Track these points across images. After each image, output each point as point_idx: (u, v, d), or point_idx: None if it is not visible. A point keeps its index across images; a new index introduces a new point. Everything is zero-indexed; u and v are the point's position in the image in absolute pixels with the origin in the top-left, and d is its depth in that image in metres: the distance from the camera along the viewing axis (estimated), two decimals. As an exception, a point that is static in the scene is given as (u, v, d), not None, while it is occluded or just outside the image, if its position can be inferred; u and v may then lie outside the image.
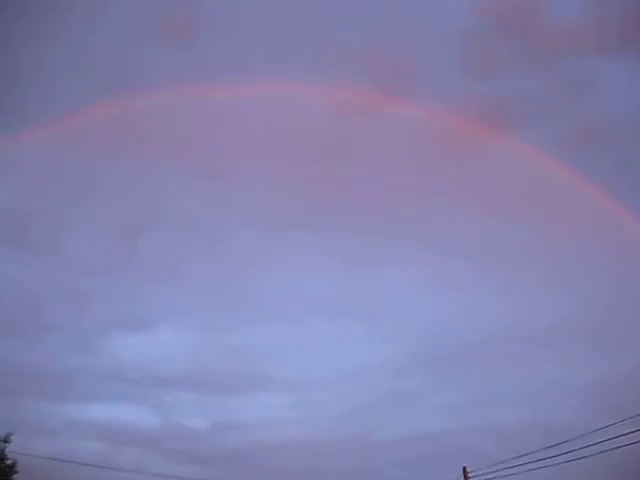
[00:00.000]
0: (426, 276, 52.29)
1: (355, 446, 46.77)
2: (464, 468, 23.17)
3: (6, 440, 22.18)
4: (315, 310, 63.26)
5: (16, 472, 22.31)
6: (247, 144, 49.09)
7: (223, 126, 46.05)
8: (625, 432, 14.24)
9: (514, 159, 41.71)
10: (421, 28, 40.54)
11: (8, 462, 22.13)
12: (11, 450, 22.53)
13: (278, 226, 55.34)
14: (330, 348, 62.50)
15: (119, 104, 37.88)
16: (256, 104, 39.95)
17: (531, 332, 45.34)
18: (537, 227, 46.35)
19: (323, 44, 41.53)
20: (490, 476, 21.14)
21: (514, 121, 43.89)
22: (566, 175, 38.57)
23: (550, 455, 17.79)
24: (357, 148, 46.88)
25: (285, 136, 46.21)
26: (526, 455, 18.94)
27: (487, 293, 49.33)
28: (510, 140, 41.70)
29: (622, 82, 43.67)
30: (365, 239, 52.87)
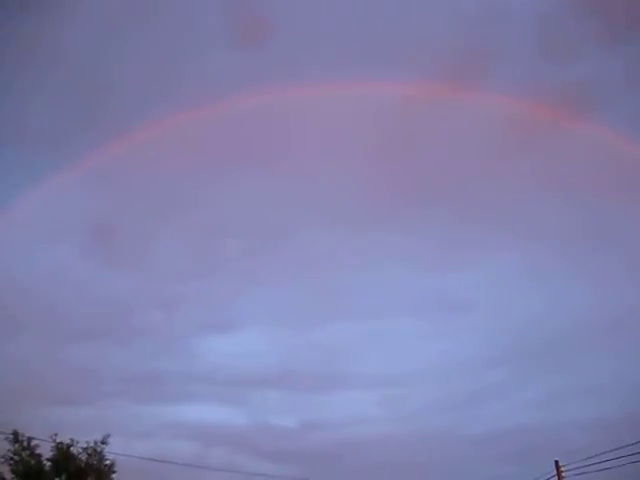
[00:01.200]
0: (509, 266, 50.85)
1: (441, 441, 46.05)
2: (556, 462, 22.16)
3: (104, 442, 23.24)
4: (398, 306, 62.83)
5: (114, 472, 23.31)
6: (321, 144, 49.33)
7: (296, 127, 46.51)
8: None
9: (593, 143, 39.95)
10: (495, 12, 39.55)
11: (107, 462, 23.15)
12: (109, 451, 23.54)
13: (358, 224, 55.31)
14: (413, 343, 61.72)
15: (197, 112, 38.97)
16: (327, 103, 40.10)
17: (615, 319, 43.49)
18: (618, 212, 44.29)
19: (391, 37, 41.28)
20: (584, 471, 20.21)
21: (592, 104, 42.02)
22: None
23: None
24: (434, 140, 46.19)
25: (358, 134, 46.08)
26: (622, 448, 18.06)
27: (569, 280, 47.39)
28: (589, 124, 39.99)
29: None
30: (445, 232, 52.01)
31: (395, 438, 47.16)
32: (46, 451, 22.89)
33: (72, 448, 22.92)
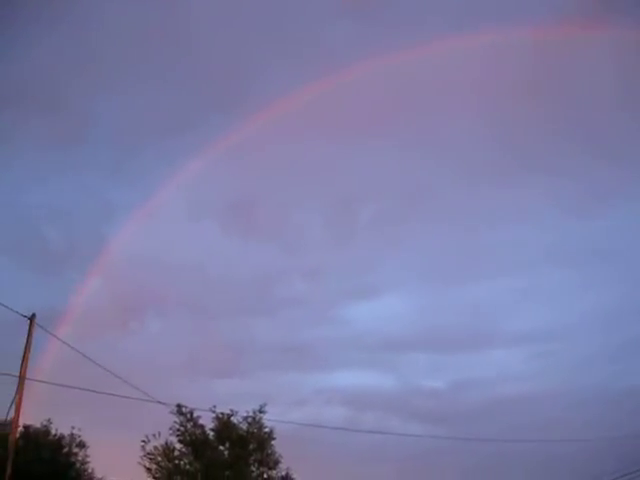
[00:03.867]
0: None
1: (595, 395, 43.18)
2: None
3: (261, 410, 23.52)
4: (543, 259, 59.43)
5: (274, 439, 23.58)
6: (455, 100, 46.88)
7: (428, 85, 44.52)
8: None
9: None
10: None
11: (266, 430, 23.45)
12: (267, 419, 23.85)
13: (498, 176, 52.59)
14: (562, 297, 58.11)
15: (323, 83, 38.29)
16: (455, 57, 37.87)
17: None
18: None
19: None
20: None
21: None
22: None
23: None
24: (569, 80, 42.56)
25: (490, 85, 43.27)
26: None
27: None
28: None
29: None
30: (587, 181, 48.16)
31: (547, 394, 45.02)
32: (207, 422, 23.60)
33: (232, 418, 23.48)
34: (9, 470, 24.92)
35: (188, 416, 23.25)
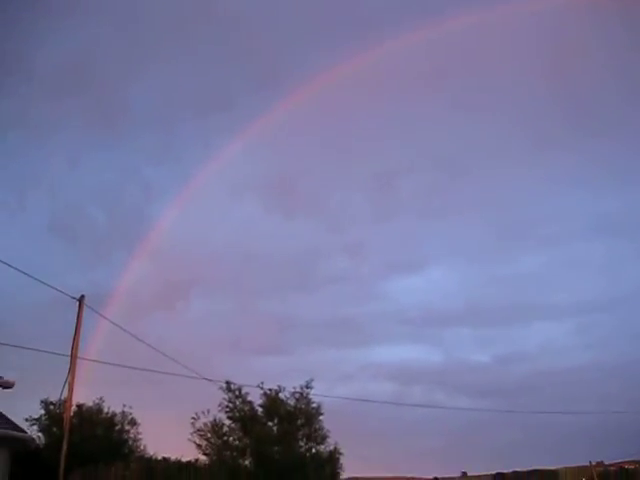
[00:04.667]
0: None
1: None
2: None
3: (308, 386, 23.47)
4: (592, 229, 57.64)
5: (321, 414, 23.56)
6: (496, 70, 45.45)
7: (469, 56, 43.31)
8: None
9: None
10: None
11: (313, 406, 23.44)
12: (314, 394, 23.82)
13: (540, 147, 50.86)
14: (611, 267, 56.40)
15: (361, 57, 37.62)
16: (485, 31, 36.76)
17: None
18: None
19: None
20: None
21: None
22: None
23: None
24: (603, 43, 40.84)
25: (527, 54, 41.81)
26: None
27: None
28: None
29: None
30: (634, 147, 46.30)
31: (594, 367, 44.07)
32: (255, 398, 23.69)
33: (280, 394, 23.53)
34: (65, 448, 25.60)
35: (237, 393, 23.38)
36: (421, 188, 54.54)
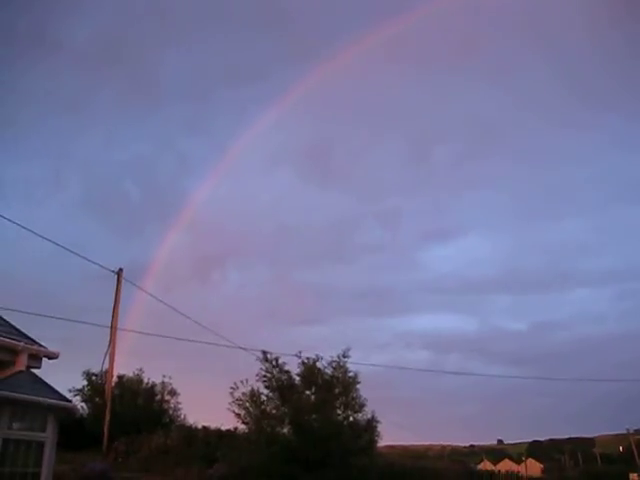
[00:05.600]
0: None
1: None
2: None
3: (345, 355, 23.49)
4: (632, 195, 56.11)
5: (358, 383, 23.61)
6: (523, 33, 43.93)
7: (500, 27, 42.04)
8: None
9: None
10: None
11: (350, 374, 23.49)
12: (351, 362, 23.86)
13: (573, 116, 49.40)
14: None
15: (389, 25, 36.86)
16: None
17: None
18: None
19: None
20: None
21: None
22: None
23: None
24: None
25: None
26: None
27: None
28: None
29: None
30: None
31: (631, 334, 43.25)
32: (293, 367, 23.83)
33: (317, 363, 23.61)
34: (107, 417, 26.25)
35: (273, 362, 23.53)
36: (456, 155, 53.98)
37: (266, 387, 23.43)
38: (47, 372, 12.74)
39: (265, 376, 23.34)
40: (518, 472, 28.86)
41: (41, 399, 12.68)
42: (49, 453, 13.09)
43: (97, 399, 28.88)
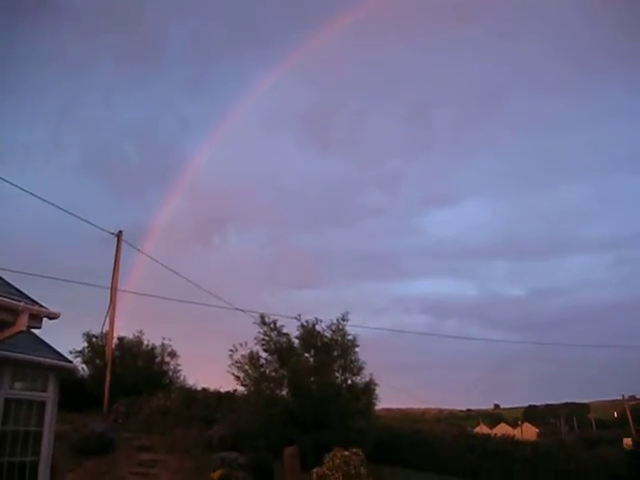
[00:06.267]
0: None
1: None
2: None
3: (344, 318, 23.56)
4: (632, 161, 55.76)
5: (357, 346, 23.72)
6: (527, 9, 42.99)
7: None
8: None
9: None
10: None
11: (349, 337, 23.59)
12: (350, 325, 23.97)
13: (575, 79, 48.67)
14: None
15: None
16: None
17: None
18: None
19: None
20: None
21: None
22: None
23: None
24: None
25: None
26: None
27: None
28: None
29: None
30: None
31: (630, 301, 43.45)
32: (292, 331, 23.93)
33: (317, 326, 23.71)
34: (108, 378, 26.50)
35: (272, 326, 23.63)
36: (456, 120, 53.53)
37: (265, 350, 23.57)
38: (47, 334, 12.78)
39: (264, 339, 23.46)
40: (514, 436, 29.38)
41: (42, 359, 12.75)
42: (50, 413, 13.21)
43: (97, 361, 29.13)
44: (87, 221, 23.60)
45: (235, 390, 25.48)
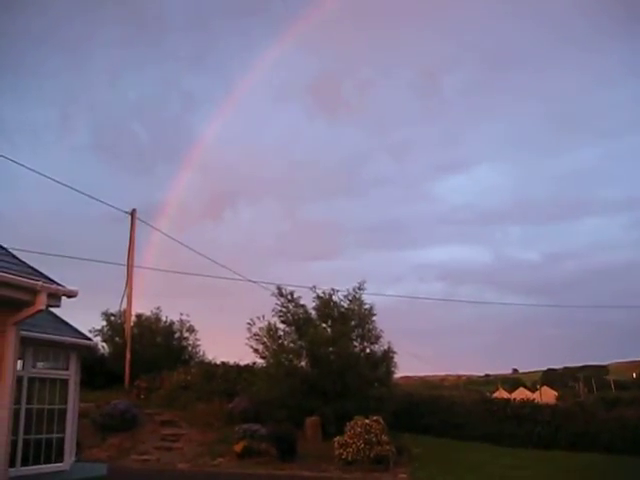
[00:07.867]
0: None
1: None
2: None
3: (360, 288, 23.51)
4: (637, 125, 54.72)
5: (374, 315, 23.69)
6: None
7: None
8: None
9: None
10: None
11: (366, 306, 23.56)
12: (367, 294, 23.92)
13: (581, 44, 47.52)
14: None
15: None
16: None
17: None
18: None
19: None
20: None
21: None
22: None
23: None
24: None
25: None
26: None
27: None
28: None
29: None
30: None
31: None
32: (308, 302, 23.92)
33: (333, 296, 23.67)
34: (128, 356, 26.76)
35: (289, 297, 23.62)
36: (466, 85, 52.87)
37: (282, 322, 23.60)
38: (66, 313, 12.82)
39: (281, 311, 23.48)
40: (533, 399, 29.39)
41: (63, 338, 12.82)
42: (73, 390, 13.33)
43: (117, 339, 29.39)
44: (101, 200, 23.59)
45: (254, 363, 25.65)
